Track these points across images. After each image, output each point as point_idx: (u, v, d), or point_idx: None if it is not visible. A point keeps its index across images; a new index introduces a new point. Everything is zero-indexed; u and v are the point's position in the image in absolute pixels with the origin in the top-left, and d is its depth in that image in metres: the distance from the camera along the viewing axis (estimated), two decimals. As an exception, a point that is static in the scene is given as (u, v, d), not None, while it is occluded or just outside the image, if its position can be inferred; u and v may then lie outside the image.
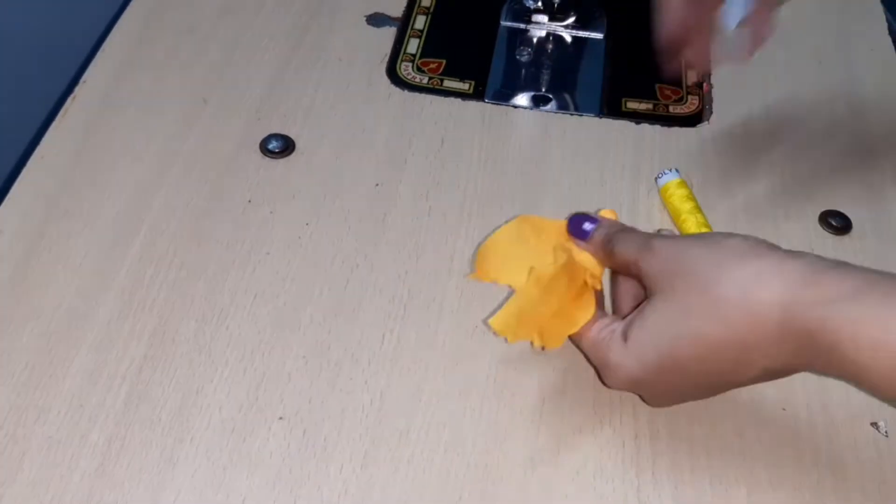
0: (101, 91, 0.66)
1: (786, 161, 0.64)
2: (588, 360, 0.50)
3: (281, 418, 0.49)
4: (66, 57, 0.85)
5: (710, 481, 0.48)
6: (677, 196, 0.60)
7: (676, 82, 0.70)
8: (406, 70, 0.70)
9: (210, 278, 0.55)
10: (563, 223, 0.51)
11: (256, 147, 0.63)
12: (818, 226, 0.60)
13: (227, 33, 0.72)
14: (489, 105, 0.68)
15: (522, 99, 0.69)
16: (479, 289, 0.55)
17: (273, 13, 0.73)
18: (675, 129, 0.67)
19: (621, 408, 0.50)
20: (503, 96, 0.69)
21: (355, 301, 0.55)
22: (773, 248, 0.45)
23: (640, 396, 0.50)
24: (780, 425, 0.50)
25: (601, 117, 0.67)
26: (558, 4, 0.74)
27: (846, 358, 0.40)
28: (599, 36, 0.74)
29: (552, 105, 0.69)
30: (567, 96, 0.70)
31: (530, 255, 0.50)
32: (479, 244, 0.52)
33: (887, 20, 0.76)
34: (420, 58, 0.71)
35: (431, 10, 0.76)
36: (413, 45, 0.72)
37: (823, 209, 0.61)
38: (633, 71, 0.71)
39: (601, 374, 0.49)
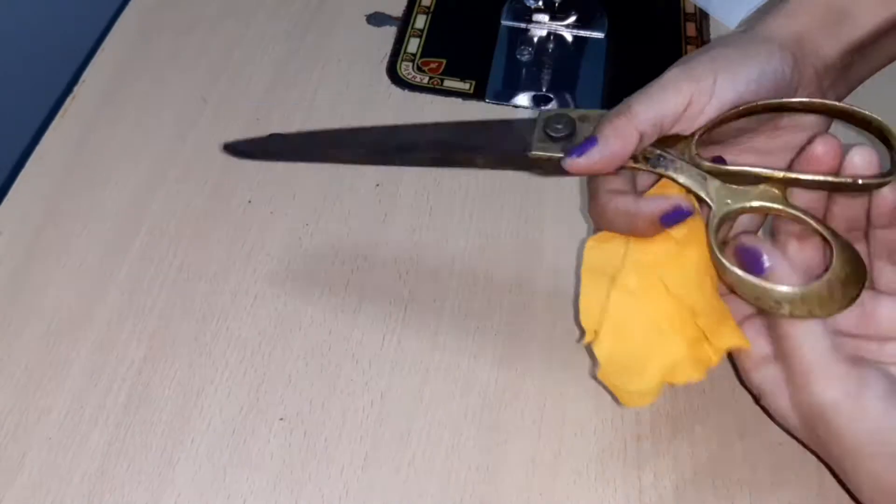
0: (101, 91, 0.66)
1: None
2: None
3: (281, 419, 0.49)
4: (65, 56, 0.85)
5: (713, 482, 0.48)
6: None
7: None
8: (406, 70, 0.70)
9: (210, 279, 0.55)
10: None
11: (256, 147, 0.63)
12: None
13: (227, 33, 0.71)
14: (490, 105, 0.68)
15: (523, 99, 0.69)
16: (479, 289, 0.55)
17: (273, 13, 0.73)
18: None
19: (623, 409, 0.50)
20: (504, 96, 0.69)
21: (355, 302, 0.55)
22: None
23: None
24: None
25: (602, 117, 0.67)
26: (559, 4, 0.74)
27: None
28: (600, 35, 0.74)
29: (553, 105, 0.69)
30: (568, 96, 0.70)
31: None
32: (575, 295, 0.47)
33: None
34: (420, 57, 0.71)
35: (432, 9, 0.75)
36: (413, 45, 0.72)
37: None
38: (634, 70, 0.71)
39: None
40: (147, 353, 0.52)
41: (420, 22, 0.74)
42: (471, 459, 0.48)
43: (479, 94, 0.68)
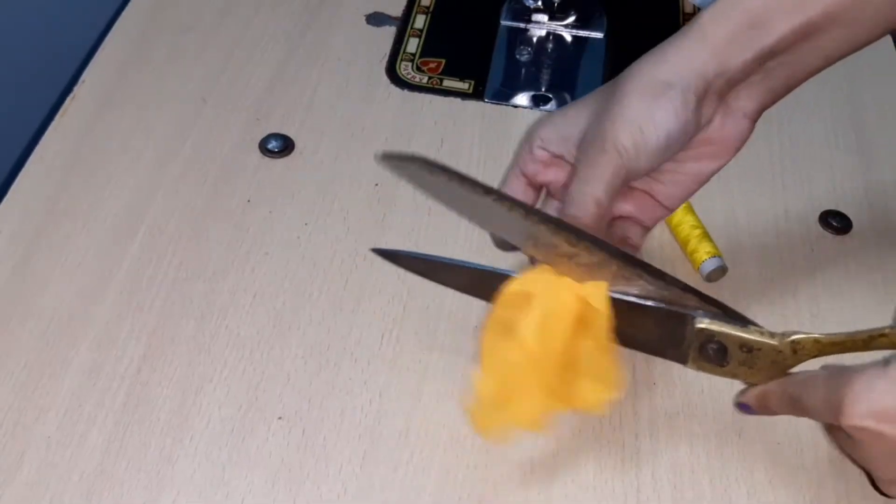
0: (101, 90, 0.66)
1: (786, 161, 0.64)
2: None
3: (280, 418, 0.49)
4: (65, 56, 0.85)
5: (710, 481, 0.48)
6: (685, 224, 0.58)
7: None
8: (406, 69, 0.70)
9: (209, 278, 0.55)
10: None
11: (256, 147, 0.63)
12: (818, 226, 0.60)
13: (227, 33, 0.72)
14: (489, 105, 0.68)
15: (522, 98, 0.69)
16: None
17: (273, 13, 0.73)
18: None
19: (621, 407, 0.50)
20: (503, 96, 0.69)
21: (354, 301, 0.55)
22: None
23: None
24: (780, 425, 0.50)
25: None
26: (558, 4, 0.74)
27: None
28: (599, 35, 0.74)
29: (552, 104, 0.69)
30: (567, 96, 0.70)
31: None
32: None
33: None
34: (420, 57, 0.71)
35: (431, 9, 0.75)
36: (413, 45, 0.72)
37: (823, 209, 0.61)
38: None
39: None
40: (146, 352, 0.52)
41: (419, 22, 0.74)
42: (469, 458, 0.48)
43: (478, 94, 0.68)
